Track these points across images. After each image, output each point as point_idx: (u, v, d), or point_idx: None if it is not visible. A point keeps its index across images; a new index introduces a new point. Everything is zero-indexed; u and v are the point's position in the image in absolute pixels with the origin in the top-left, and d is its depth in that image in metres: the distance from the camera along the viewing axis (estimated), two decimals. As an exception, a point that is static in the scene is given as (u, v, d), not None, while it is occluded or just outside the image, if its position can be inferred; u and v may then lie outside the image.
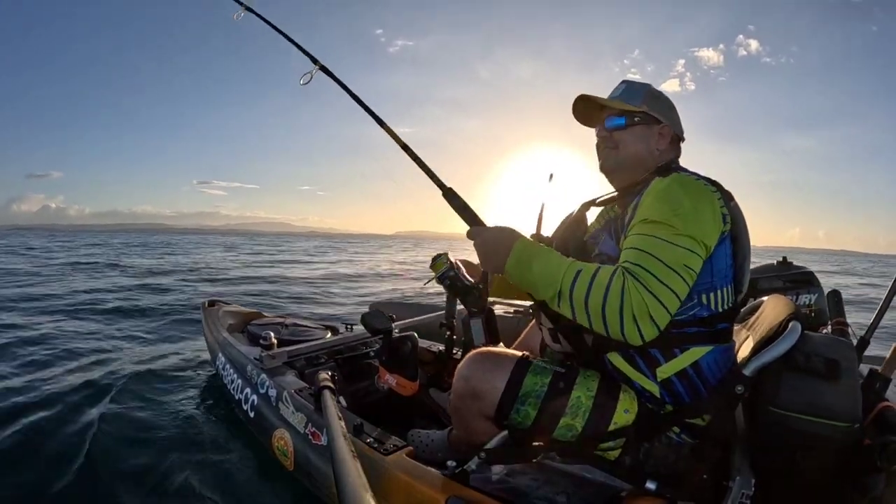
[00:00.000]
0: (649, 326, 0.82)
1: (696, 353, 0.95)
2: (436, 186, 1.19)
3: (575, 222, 1.19)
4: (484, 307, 1.36)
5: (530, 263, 0.92)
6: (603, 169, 1.14)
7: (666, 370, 0.96)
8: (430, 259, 1.45)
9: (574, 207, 1.23)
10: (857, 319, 1.53)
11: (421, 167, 1.23)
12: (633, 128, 1.08)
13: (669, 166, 1.06)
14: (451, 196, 1.15)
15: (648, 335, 0.83)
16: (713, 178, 1.01)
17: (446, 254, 1.42)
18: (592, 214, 1.23)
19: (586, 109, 1.17)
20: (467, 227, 1.09)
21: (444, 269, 1.39)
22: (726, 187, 0.99)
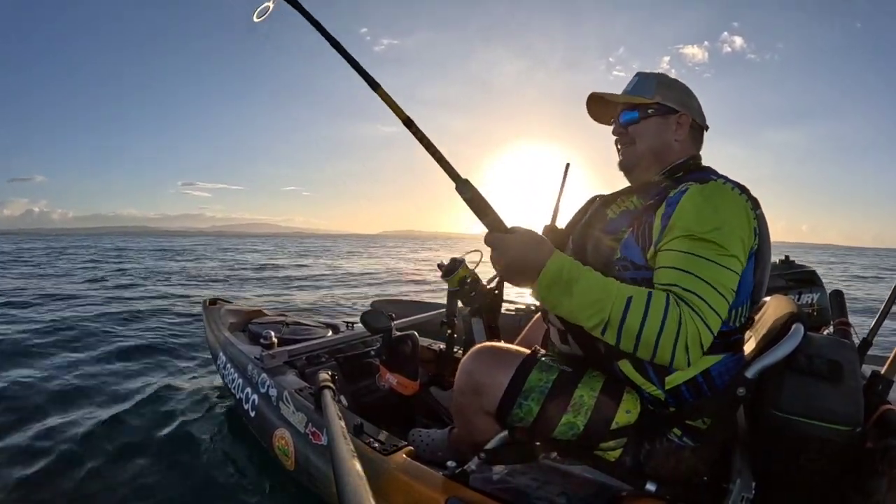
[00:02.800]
0: (698, 353, 0.80)
1: (708, 361, 0.94)
2: (437, 181, 1.06)
3: (595, 217, 1.09)
4: (497, 312, 1.27)
5: (570, 287, 0.82)
6: (621, 166, 1.10)
7: (675, 379, 0.95)
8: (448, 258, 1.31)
9: (585, 199, 1.19)
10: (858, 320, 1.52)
11: (427, 147, 1.00)
12: (648, 120, 1.04)
13: (699, 165, 1.03)
14: (469, 190, 0.93)
15: (695, 360, 0.80)
16: None
17: (463, 262, 1.25)
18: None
19: (600, 107, 1.14)
20: (485, 231, 0.92)
21: (462, 280, 1.23)
22: None
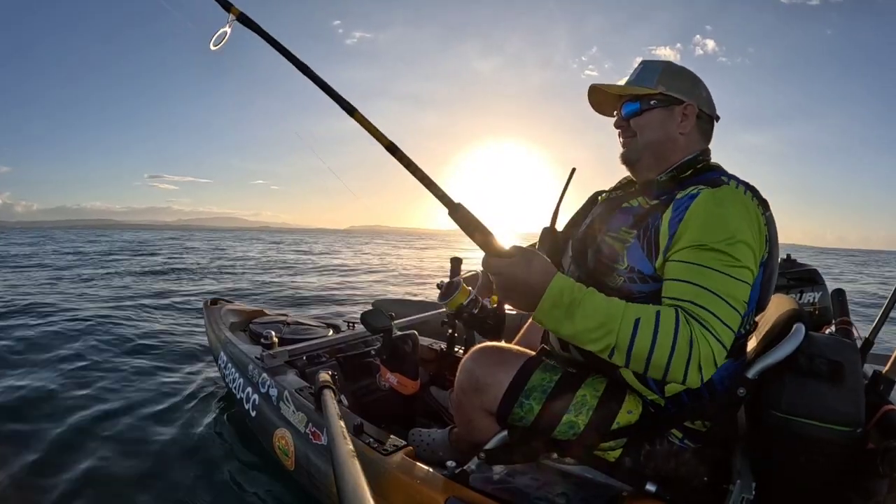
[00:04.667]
0: (712, 371, 0.77)
1: None
2: (409, 183, 0.95)
3: (593, 222, 1.06)
4: (500, 329, 1.16)
5: (572, 311, 0.79)
6: (623, 159, 1.05)
7: (675, 387, 0.93)
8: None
9: (584, 200, 1.16)
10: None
11: (414, 173, 0.94)
12: (651, 112, 0.98)
13: (708, 164, 0.98)
14: (462, 214, 0.89)
15: (707, 377, 0.77)
16: None
17: (461, 284, 1.11)
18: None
19: (602, 97, 1.08)
20: (482, 253, 0.88)
21: (464, 304, 1.10)
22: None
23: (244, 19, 1.06)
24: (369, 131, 0.96)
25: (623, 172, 1.11)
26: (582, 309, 0.79)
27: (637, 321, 0.77)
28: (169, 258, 12.20)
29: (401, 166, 0.95)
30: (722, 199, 0.85)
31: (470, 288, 1.08)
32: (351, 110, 0.97)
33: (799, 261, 1.94)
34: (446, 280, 1.21)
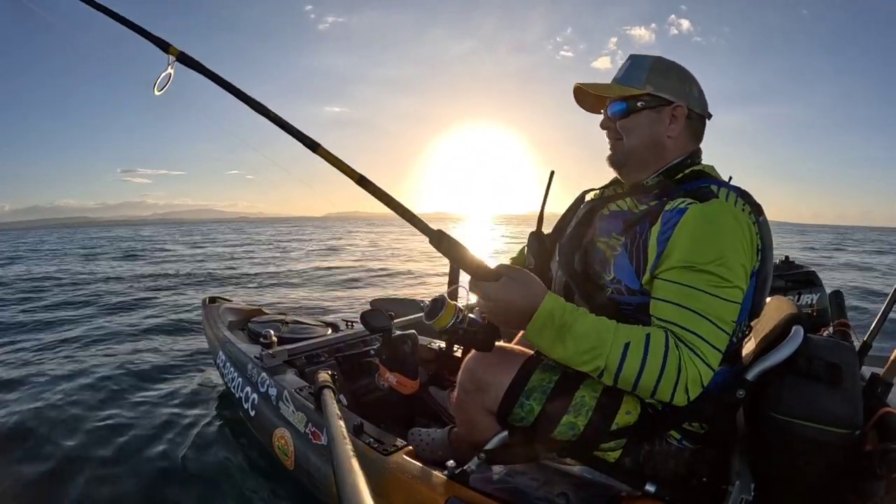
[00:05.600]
0: (698, 391, 0.79)
1: None
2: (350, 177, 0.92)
3: (582, 225, 1.06)
4: (494, 340, 1.08)
5: (562, 333, 0.80)
6: (610, 162, 1.02)
7: None
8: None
9: (571, 201, 1.14)
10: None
11: (388, 204, 0.92)
12: (638, 114, 0.95)
13: (698, 171, 0.95)
14: (441, 240, 0.89)
15: (694, 396, 0.79)
16: None
17: (446, 301, 1.02)
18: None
19: (587, 94, 1.03)
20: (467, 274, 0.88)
21: (450, 324, 1.02)
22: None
23: (185, 59, 0.99)
24: (336, 166, 0.93)
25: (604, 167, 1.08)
26: (572, 333, 0.80)
27: (626, 345, 0.78)
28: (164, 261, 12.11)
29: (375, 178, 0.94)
30: (711, 216, 0.82)
31: (455, 304, 1.03)
32: (314, 146, 0.94)
33: (797, 262, 1.95)
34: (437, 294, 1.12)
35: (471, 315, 1.03)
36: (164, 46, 1.00)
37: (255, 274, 8.42)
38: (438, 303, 1.00)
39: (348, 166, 0.93)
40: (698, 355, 0.78)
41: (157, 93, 0.99)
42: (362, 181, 0.94)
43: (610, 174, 1.09)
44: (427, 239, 0.91)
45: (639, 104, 0.95)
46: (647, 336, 0.79)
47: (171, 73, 1.00)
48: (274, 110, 0.96)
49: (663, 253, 0.84)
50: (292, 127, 0.94)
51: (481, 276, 0.86)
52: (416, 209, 0.95)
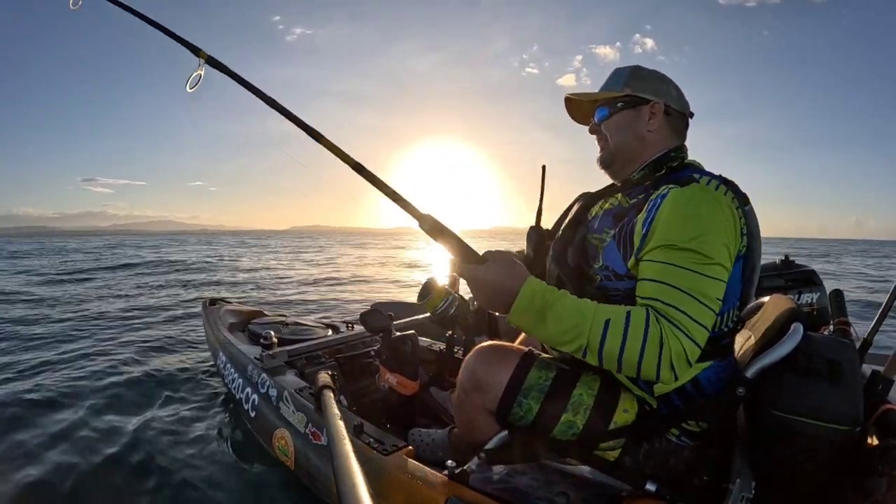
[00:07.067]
0: (685, 368, 0.79)
1: (696, 369, 0.93)
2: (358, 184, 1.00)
3: (576, 222, 1.10)
4: (487, 327, 1.18)
5: (543, 314, 0.82)
6: (600, 163, 1.09)
7: (663, 387, 0.94)
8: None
9: (571, 199, 1.18)
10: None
11: (382, 189, 0.99)
12: (619, 114, 1.02)
13: (681, 162, 1.00)
14: (431, 224, 0.95)
15: (682, 375, 0.79)
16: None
17: (433, 281, 1.11)
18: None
19: (578, 109, 1.12)
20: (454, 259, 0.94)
21: (440, 306, 1.09)
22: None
23: (213, 62, 1.12)
24: (336, 154, 1.03)
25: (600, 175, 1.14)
26: (553, 312, 0.82)
27: (607, 322, 0.79)
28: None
29: (350, 172, 1.03)
30: (690, 198, 0.85)
31: (446, 287, 1.09)
32: (318, 136, 1.04)
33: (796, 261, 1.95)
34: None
35: (460, 296, 1.09)
36: (195, 50, 1.13)
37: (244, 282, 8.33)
38: (430, 285, 1.07)
39: (346, 154, 1.03)
40: (682, 330, 0.78)
41: (189, 90, 1.12)
42: (358, 167, 1.02)
43: (605, 180, 1.13)
44: (417, 222, 0.98)
45: (619, 104, 1.02)
46: (628, 313, 0.80)
47: (201, 75, 1.13)
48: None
49: (646, 235, 0.87)
50: (302, 121, 1.05)
51: (467, 259, 0.92)
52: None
